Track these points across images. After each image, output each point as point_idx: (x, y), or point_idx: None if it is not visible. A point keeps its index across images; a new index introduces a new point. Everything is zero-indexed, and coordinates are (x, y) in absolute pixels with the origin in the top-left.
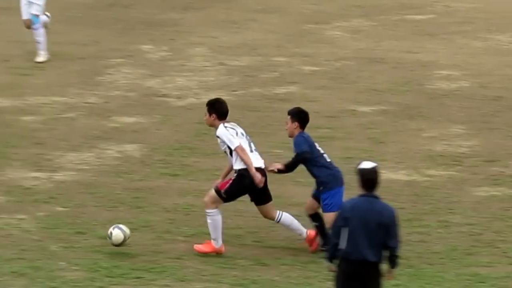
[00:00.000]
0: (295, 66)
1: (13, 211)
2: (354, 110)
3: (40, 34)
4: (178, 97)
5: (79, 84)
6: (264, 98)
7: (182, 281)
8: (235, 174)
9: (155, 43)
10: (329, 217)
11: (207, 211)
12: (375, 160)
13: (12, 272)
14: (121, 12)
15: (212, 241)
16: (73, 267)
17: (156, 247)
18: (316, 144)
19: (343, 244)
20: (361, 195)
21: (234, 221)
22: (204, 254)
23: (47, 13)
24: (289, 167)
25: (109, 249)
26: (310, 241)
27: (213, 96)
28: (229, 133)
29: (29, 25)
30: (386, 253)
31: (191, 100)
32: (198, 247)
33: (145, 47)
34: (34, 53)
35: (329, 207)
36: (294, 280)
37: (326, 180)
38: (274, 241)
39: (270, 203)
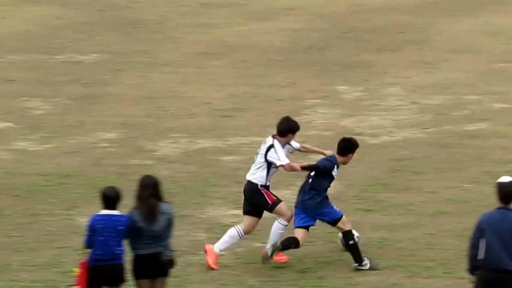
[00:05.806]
0: (486, 103)
1: None
2: None
3: None
4: (373, 135)
5: None
6: (455, 135)
7: None
8: None
9: (350, 83)
10: None
11: None
12: None
13: None
14: (318, 55)
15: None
16: None
17: (350, 279)
18: None
19: (481, 254)
20: (498, 208)
21: (425, 254)
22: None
23: None
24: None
25: (306, 282)
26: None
27: (406, 134)
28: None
29: None
30: None
31: (385, 138)
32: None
33: (341, 88)
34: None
35: None
36: None
37: None
38: (464, 272)
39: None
